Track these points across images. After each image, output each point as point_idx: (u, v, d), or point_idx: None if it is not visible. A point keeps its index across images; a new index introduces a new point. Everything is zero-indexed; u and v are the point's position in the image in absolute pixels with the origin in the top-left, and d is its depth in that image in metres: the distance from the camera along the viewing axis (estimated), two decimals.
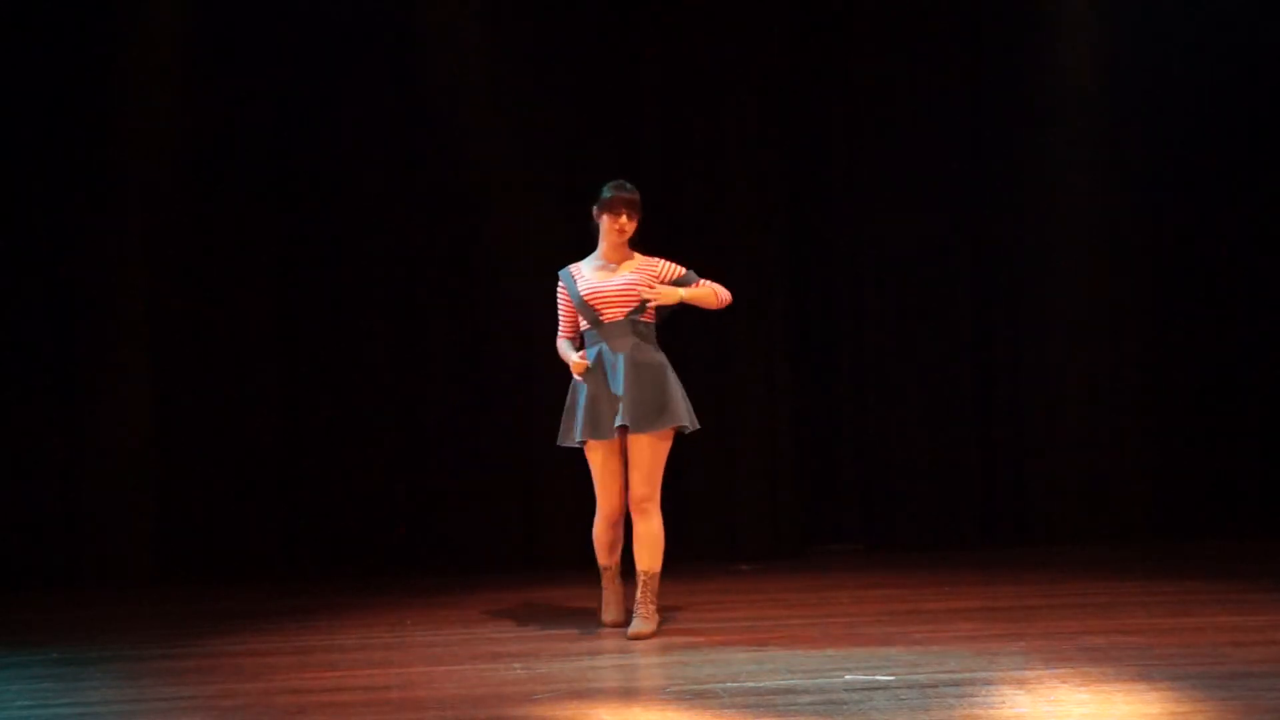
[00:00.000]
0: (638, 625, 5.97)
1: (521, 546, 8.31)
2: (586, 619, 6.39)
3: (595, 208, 6.19)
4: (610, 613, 6.26)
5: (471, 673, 5.22)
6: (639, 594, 6.03)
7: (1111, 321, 8.78)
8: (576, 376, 6.12)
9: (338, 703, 4.78)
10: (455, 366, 8.37)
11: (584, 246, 8.25)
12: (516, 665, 5.33)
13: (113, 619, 6.80)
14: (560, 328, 6.29)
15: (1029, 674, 4.93)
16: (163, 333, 8.11)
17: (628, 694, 4.79)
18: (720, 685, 4.92)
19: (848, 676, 4.96)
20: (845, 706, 4.54)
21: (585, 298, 6.12)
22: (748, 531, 8.33)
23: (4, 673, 5.47)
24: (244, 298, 8.22)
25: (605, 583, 6.27)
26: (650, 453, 6.01)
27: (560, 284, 6.26)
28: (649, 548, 6.02)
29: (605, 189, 6.16)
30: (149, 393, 8.07)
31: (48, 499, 7.95)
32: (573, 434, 6.12)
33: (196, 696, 4.97)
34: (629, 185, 6.15)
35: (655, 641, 5.85)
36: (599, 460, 6.10)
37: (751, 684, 4.90)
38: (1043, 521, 8.72)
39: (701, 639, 5.92)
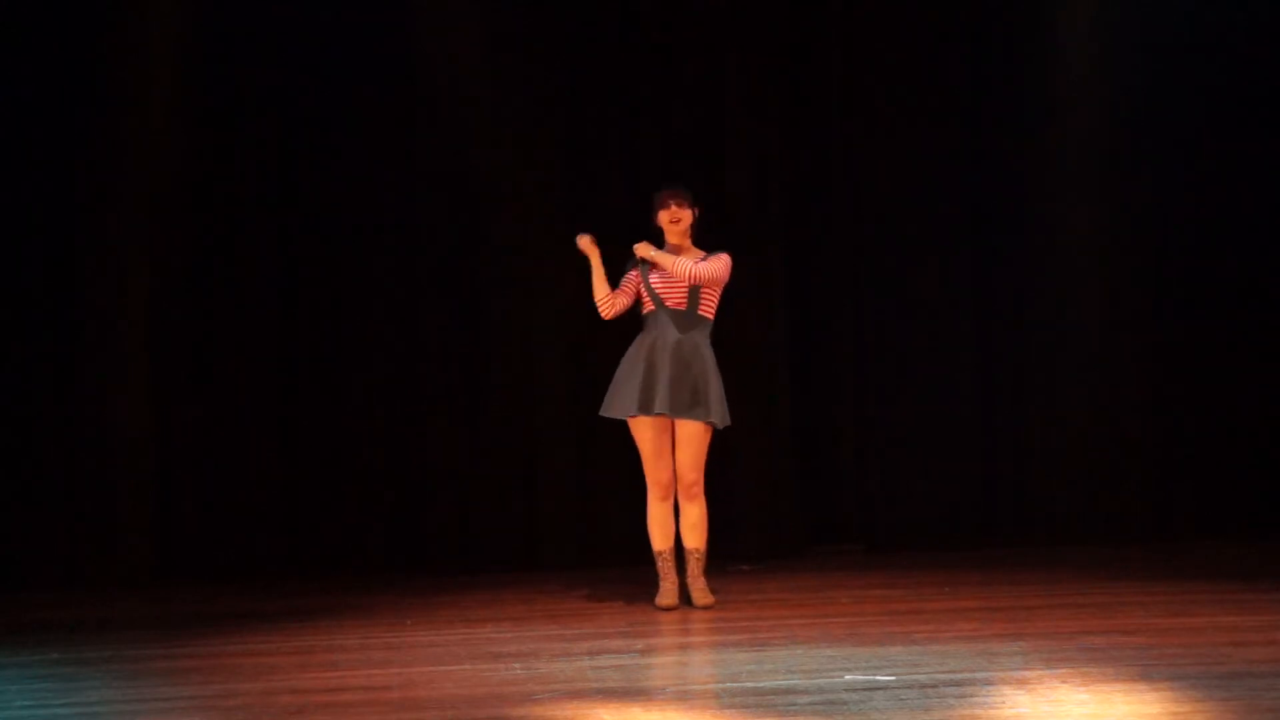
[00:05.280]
0: (703, 599, 6.49)
1: (521, 546, 8.31)
2: (587, 619, 6.40)
3: (653, 214, 6.60)
4: (667, 598, 6.52)
5: (471, 673, 5.22)
6: (693, 570, 6.53)
7: (1112, 322, 8.77)
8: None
9: (338, 703, 4.78)
10: (455, 366, 8.36)
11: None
12: (516, 665, 5.33)
13: (113, 619, 6.79)
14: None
15: (1029, 674, 4.93)
16: (162, 331, 8.11)
17: (628, 694, 4.78)
18: (720, 685, 4.92)
19: (848, 676, 4.96)
20: (845, 706, 4.53)
21: (653, 284, 6.50)
22: (748, 531, 8.33)
23: (4, 673, 5.47)
24: (243, 297, 8.21)
25: (662, 570, 6.57)
26: (700, 438, 6.43)
27: (633, 268, 6.61)
28: (698, 528, 6.51)
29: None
30: (149, 392, 8.06)
31: (47, 499, 7.94)
32: (620, 407, 6.44)
33: (196, 696, 4.96)
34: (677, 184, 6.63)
35: (655, 642, 5.86)
36: (650, 436, 6.44)
37: (751, 684, 4.89)
38: (1043, 521, 8.72)
39: (702, 639, 5.93)
